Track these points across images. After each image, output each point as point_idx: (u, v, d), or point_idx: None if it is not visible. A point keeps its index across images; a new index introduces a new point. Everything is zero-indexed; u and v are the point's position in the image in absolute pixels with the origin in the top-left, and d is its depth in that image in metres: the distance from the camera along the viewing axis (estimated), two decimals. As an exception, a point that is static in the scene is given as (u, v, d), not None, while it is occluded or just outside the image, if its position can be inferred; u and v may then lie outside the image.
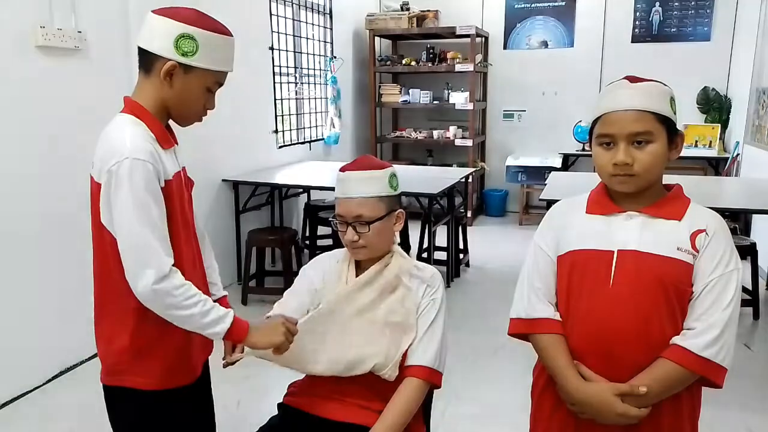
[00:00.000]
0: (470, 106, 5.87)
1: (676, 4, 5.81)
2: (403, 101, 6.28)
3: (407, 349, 1.42)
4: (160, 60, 1.29)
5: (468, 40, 5.85)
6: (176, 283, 1.24)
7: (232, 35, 1.36)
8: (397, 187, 1.51)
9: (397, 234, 1.53)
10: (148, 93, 1.34)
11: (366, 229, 1.43)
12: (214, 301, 1.55)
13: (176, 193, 1.35)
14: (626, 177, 1.22)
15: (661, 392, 1.19)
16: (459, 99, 5.94)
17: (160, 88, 1.32)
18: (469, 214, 5.72)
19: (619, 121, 1.20)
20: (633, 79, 1.24)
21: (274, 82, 4.70)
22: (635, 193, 1.24)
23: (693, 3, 5.76)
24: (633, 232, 1.24)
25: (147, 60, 1.32)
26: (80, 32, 2.85)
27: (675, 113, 1.24)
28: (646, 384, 1.18)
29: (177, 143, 1.43)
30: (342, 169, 1.49)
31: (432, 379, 1.43)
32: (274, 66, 4.68)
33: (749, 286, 3.57)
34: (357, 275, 1.50)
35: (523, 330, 1.35)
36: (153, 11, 1.31)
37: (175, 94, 1.33)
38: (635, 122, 1.19)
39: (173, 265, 1.26)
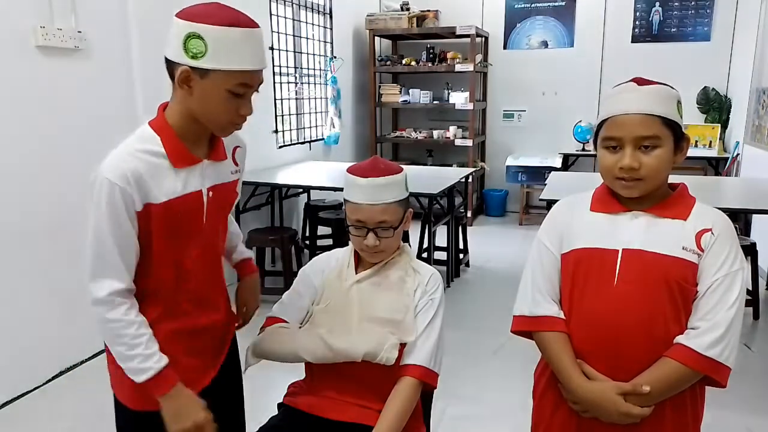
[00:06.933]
0: (470, 106, 5.86)
1: (676, 4, 5.81)
2: (403, 101, 6.27)
3: (403, 348, 1.41)
4: (177, 67, 1.18)
5: (468, 40, 5.85)
6: (109, 314, 1.20)
7: (253, 26, 1.19)
8: (408, 188, 1.51)
9: None
10: (175, 104, 1.25)
11: (390, 233, 1.43)
12: (238, 263, 1.61)
13: (168, 216, 1.24)
14: (632, 182, 1.21)
15: (664, 391, 1.19)
16: (459, 99, 5.94)
17: (183, 97, 1.22)
18: (469, 214, 5.72)
19: (626, 125, 1.20)
20: (641, 82, 1.23)
21: (274, 82, 4.69)
22: None
23: (693, 3, 5.76)
24: (638, 231, 1.23)
25: (169, 68, 1.21)
26: (80, 32, 2.84)
27: (681, 117, 1.23)
28: (649, 383, 1.18)
29: (218, 158, 1.34)
30: (361, 175, 1.43)
31: (427, 378, 1.40)
32: (274, 66, 4.67)
33: (749, 287, 3.58)
34: (356, 273, 1.50)
35: (527, 328, 1.35)
36: (176, 14, 1.19)
37: (197, 102, 1.21)
38: (642, 126, 1.19)
39: (129, 292, 1.23)
